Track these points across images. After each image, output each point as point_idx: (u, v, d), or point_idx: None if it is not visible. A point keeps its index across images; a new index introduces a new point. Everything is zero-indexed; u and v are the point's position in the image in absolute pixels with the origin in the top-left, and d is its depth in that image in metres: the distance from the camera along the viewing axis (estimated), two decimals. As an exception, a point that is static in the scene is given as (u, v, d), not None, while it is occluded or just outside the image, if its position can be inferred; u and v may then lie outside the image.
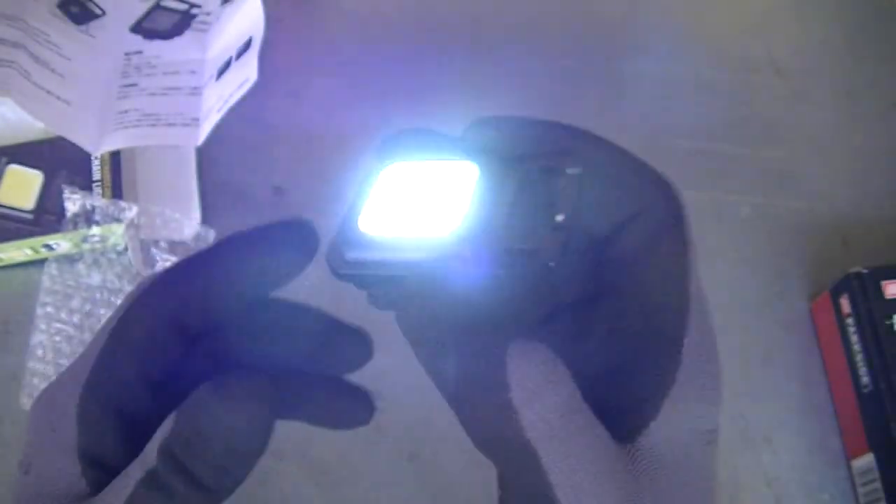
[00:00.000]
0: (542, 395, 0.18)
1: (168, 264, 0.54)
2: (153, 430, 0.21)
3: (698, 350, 0.21)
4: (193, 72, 0.62)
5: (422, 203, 0.23)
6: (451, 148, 0.24)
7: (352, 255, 0.23)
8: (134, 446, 0.22)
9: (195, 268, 0.24)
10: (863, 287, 0.53)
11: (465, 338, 0.19)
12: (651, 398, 0.20)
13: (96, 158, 0.57)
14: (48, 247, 0.54)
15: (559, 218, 0.22)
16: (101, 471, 0.22)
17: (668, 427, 0.20)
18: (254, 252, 0.25)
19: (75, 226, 0.54)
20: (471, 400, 0.19)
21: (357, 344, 0.27)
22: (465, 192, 0.23)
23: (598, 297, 0.23)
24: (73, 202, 0.54)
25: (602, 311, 0.22)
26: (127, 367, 0.22)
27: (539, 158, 0.23)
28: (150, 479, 0.20)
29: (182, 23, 0.64)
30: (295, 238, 0.26)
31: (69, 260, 0.55)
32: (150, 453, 0.21)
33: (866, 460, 0.51)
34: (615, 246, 0.23)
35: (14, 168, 0.56)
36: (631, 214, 0.22)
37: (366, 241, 0.23)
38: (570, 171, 0.22)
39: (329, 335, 0.27)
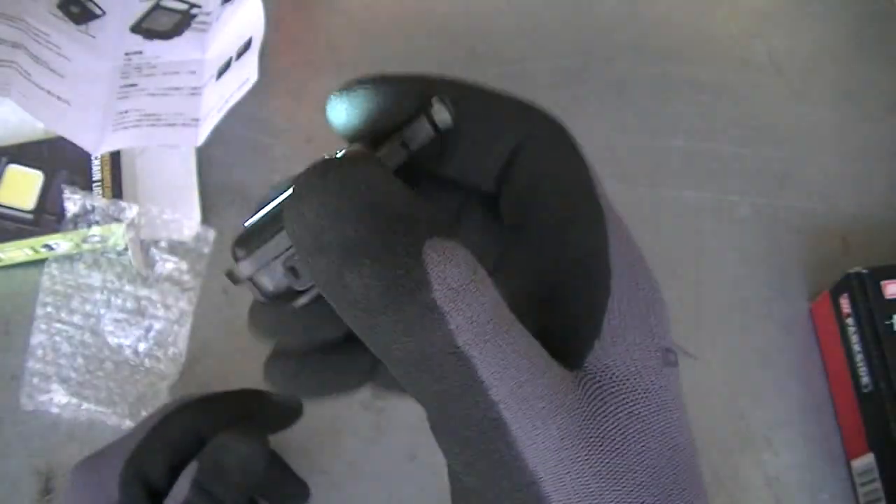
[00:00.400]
0: (467, 295, 0.16)
1: (168, 265, 0.55)
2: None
3: (627, 260, 0.19)
4: (193, 72, 0.62)
5: None
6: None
7: (240, 247, 0.21)
8: None
9: (219, 402, 0.38)
10: (863, 287, 0.53)
11: (376, 237, 0.16)
12: (588, 315, 0.18)
13: (96, 158, 0.57)
14: (48, 247, 0.54)
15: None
16: None
17: (614, 346, 0.18)
18: (263, 407, 0.41)
19: (75, 226, 0.54)
20: (390, 308, 0.16)
21: (298, 490, 0.45)
22: None
23: (511, 227, 0.21)
24: (73, 202, 0.54)
25: (515, 238, 0.21)
26: (160, 454, 0.35)
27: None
28: None
29: (182, 23, 0.64)
30: (291, 403, 0.42)
31: (69, 260, 0.55)
32: (178, 493, 0.33)
33: (866, 460, 0.51)
34: (511, 179, 0.21)
35: (14, 168, 0.56)
36: (518, 142, 0.20)
37: (249, 226, 0.21)
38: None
39: (278, 476, 0.43)
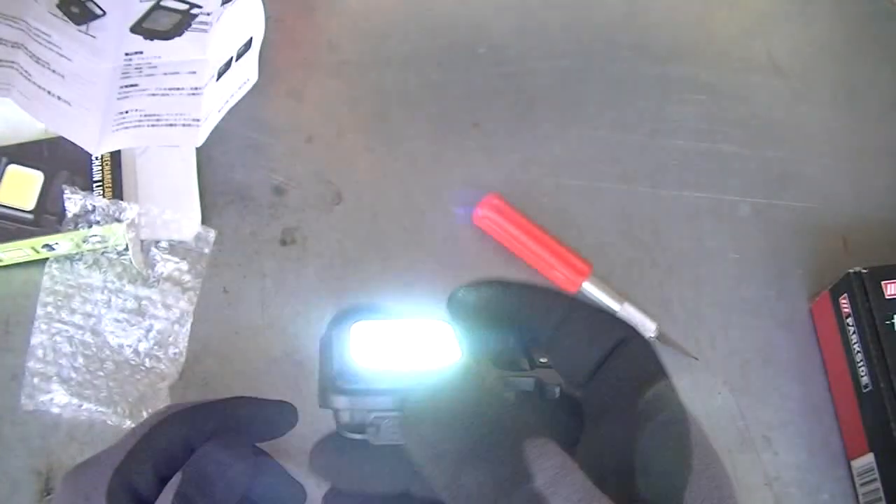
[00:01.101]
0: (562, 480, 0.19)
1: (169, 265, 0.55)
2: None
3: (706, 463, 0.22)
4: (194, 72, 0.62)
5: (410, 343, 0.23)
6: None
7: (347, 385, 0.22)
8: None
9: (208, 411, 0.37)
10: (863, 287, 0.53)
11: (483, 444, 0.19)
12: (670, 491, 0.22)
13: (97, 158, 0.57)
14: (48, 247, 0.54)
15: (543, 360, 0.24)
16: None
17: None
18: (254, 416, 0.39)
19: (75, 226, 0.54)
20: (500, 499, 0.19)
21: (294, 492, 0.42)
22: (448, 342, 0.23)
23: (595, 420, 0.25)
24: (74, 202, 0.54)
25: (599, 432, 0.24)
26: (148, 464, 0.33)
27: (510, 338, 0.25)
28: None
29: (182, 23, 0.64)
30: (285, 411, 0.41)
31: (69, 260, 0.55)
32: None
33: (866, 460, 0.51)
34: (602, 376, 0.25)
35: (14, 168, 0.56)
36: (610, 347, 0.25)
37: (360, 371, 0.22)
38: (541, 360, 0.25)
39: (273, 479, 0.41)
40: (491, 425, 0.20)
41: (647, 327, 0.55)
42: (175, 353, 0.53)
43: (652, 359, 0.25)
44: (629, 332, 0.25)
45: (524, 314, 0.26)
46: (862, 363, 0.52)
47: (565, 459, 0.20)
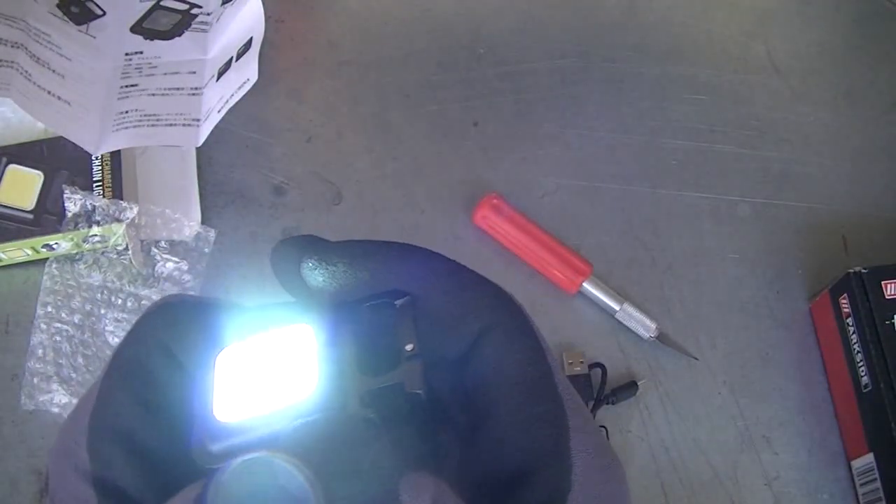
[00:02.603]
0: None
1: (169, 265, 0.55)
2: (159, 456, 0.23)
3: (586, 446, 0.21)
4: (194, 72, 0.62)
5: (269, 377, 0.23)
6: (276, 315, 0.24)
7: (216, 446, 0.22)
8: (144, 472, 0.23)
9: (183, 304, 0.26)
10: (863, 287, 0.53)
11: (356, 486, 0.19)
12: None
13: (97, 158, 0.57)
14: (48, 247, 0.54)
15: (408, 347, 0.22)
16: (116, 498, 0.23)
17: None
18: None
19: (75, 226, 0.54)
20: None
21: None
22: (308, 352, 0.22)
23: (475, 422, 0.23)
24: (74, 202, 0.54)
25: (482, 435, 0.23)
26: (123, 392, 0.24)
27: (365, 299, 0.23)
28: None
29: (182, 23, 0.64)
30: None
31: (69, 260, 0.55)
32: None
33: (866, 460, 0.51)
34: (472, 366, 0.23)
35: (14, 168, 0.56)
36: (479, 331, 0.22)
37: (225, 429, 0.22)
38: (398, 302, 0.23)
39: None
40: (361, 467, 0.19)
41: (648, 327, 0.55)
42: (175, 353, 0.52)
43: (527, 345, 0.22)
44: (494, 311, 0.23)
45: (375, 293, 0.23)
46: (862, 363, 0.52)
47: (438, 491, 0.19)
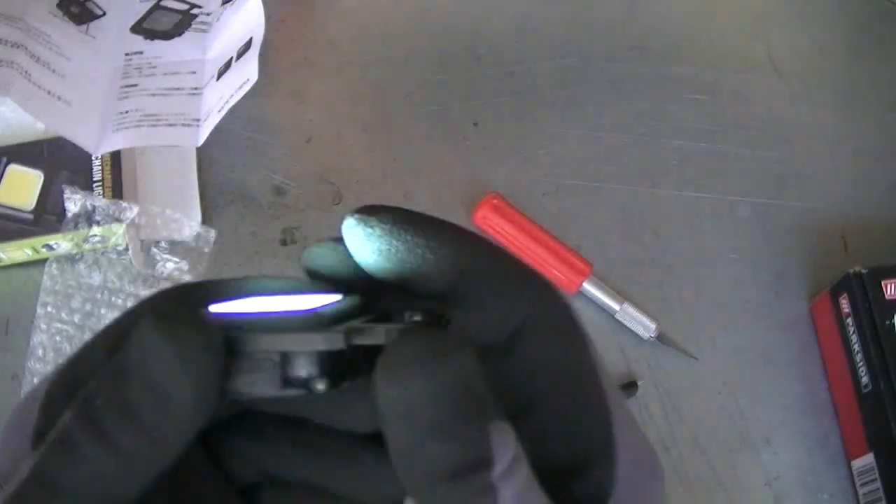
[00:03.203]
0: (514, 471, 0.18)
1: (169, 265, 0.55)
2: None
3: (628, 443, 0.21)
4: (194, 72, 0.62)
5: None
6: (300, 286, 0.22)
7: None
8: None
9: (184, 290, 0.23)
10: (863, 287, 0.53)
11: (461, 419, 0.18)
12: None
13: (97, 158, 0.57)
14: (48, 247, 0.54)
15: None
16: None
17: None
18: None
19: (75, 226, 0.54)
20: (455, 479, 0.18)
21: None
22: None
23: (513, 412, 0.22)
24: (74, 202, 0.54)
25: (521, 426, 0.21)
26: (96, 349, 0.21)
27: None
28: (61, 440, 0.18)
29: (182, 23, 0.64)
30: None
31: (69, 260, 0.55)
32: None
33: (866, 460, 0.51)
34: (513, 357, 0.21)
35: (14, 168, 0.56)
36: (520, 324, 0.21)
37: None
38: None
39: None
40: (469, 399, 0.18)
41: (647, 327, 0.55)
42: (175, 353, 0.52)
43: (572, 339, 0.21)
44: (538, 304, 0.21)
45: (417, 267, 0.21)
46: (862, 363, 0.52)
47: (518, 450, 0.19)
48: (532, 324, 0.21)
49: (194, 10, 0.64)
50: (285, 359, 0.18)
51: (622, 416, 0.21)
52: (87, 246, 0.55)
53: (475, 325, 0.21)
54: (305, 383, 0.18)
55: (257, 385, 0.18)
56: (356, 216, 0.21)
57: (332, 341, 0.18)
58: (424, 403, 0.18)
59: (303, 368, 0.18)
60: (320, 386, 0.18)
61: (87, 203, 0.54)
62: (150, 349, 0.18)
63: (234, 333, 0.18)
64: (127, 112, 0.59)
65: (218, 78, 0.60)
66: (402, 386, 0.18)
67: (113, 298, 0.54)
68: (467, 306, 0.21)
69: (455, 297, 0.21)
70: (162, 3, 0.65)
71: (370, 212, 0.21)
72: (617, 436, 0.20)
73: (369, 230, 0.21)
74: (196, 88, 0.61)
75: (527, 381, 0.21)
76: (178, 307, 0.19)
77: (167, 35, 0.63)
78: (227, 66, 0.61)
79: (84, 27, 0.63)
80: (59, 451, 0.18)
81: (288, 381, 0.18)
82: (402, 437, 0.18)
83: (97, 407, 0.18)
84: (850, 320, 0.53)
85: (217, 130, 0.58)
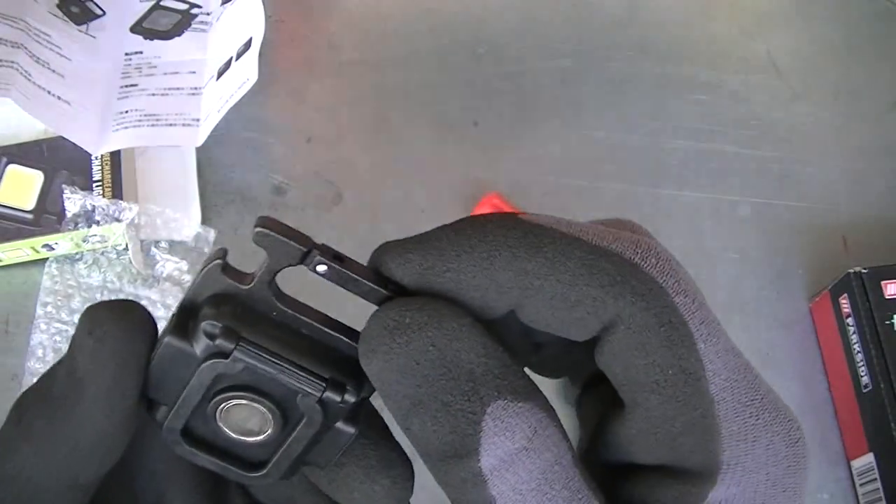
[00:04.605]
0: (514, 465, 0.16)
1: (169, 265, 0.55)
2: None
3: (743, 457, 0.18)
4: (194, 72, 0.62)
5: None
6: None
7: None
8: None
9: None
10: (863, 287, 0.53)
11: (438, 400, 0.17)
12: (693, 488, 0.18)
13: (96, 158, 0.57)
14: (48, 247, 0.54)
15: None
16: None
17: None
18: None
19: (75, 226, 0.54)
20: (441, 463, 0.17)
21: (401, 464, 0.25)
22: None
23: (601, 408, 0.21)
24: (74, 202, 0.54)
25: (609, 423, 0.20)
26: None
27: None
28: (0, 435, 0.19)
29: (182, 23, 0.64)
30: None
31: (69, 260, 0.55)
32: None
33: (866, 460, 0.51)
34: (598, 360, 0.19)
35: (14, 168, 0.56)
36: (601, 326, 0.18)
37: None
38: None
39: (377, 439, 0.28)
40: (453, 376, 0.17)
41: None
42: (175, 353, 0.52)
43: (666, 337, 0.18)
44: (621, 300, 0.18)
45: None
46: (862, 363, 0.52)
47: (535, 435, 0.16)
48: (613, 328, 0.18)
49: (194, 10, 0.64)
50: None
51: (735, 427, 0.18)
52: (86, 246, 0.55)
53: (554, 332, 0.19)
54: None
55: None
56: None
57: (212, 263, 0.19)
58: (398, 378, 0.17)
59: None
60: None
61: (87, 203, 0.54)
62: (74, 342, 0.18)
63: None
64: (127, 112, 0.59)
65: (218, 78, 0.60)
66: (375, 358, 0.17)
67: (113, 298, 0.54)
68: (547, 310, 0.18)
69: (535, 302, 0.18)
70: (162, 3, 0.65)
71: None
72: (726, 452, 0.18)
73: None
74: (196, 88, 0.61)
75: (614, 385, 0.19)
76: (112, 305, 0.19)
77: (167, 35, 0.63)
78: (227, 65, 0.61)
79: (84, 27, 0.63)
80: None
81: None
82: (391, 411, 0.18)
83: (26, 402, 0.19)
84: (850, 320, 0.53)
85: (217, 130, 0.58)
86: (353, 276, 0.18)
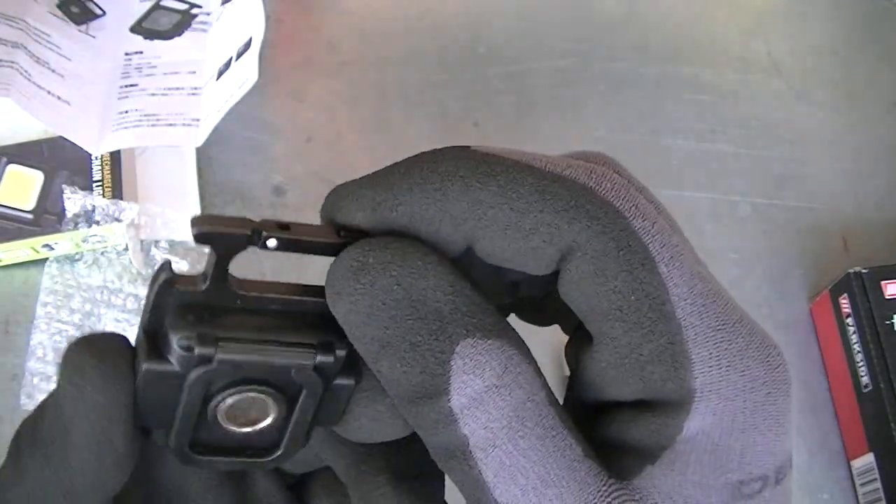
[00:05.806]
0: (485, 402, 0.16)
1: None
2: None
3: (716, 385, 0.17)
4: (194, 72, 0.62)
5: None
6: None
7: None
8: None
9: None
10: (863, 287, 0.53)
11: (405, 340, 0.16)
12: (654, 439, 0.17)
13: (96, 158, 0.57)
14: (48, 247, 0.54)
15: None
16: None
17: (665, 476, 0.17)
18: None
19: (75, 226, 0.54)
20: (412, 405, 0.17)
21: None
22: None
23: (576, 333, 0.20)
24: (74, 202, 0.54)
25: (587, 348, 0.19)
26: None
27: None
28: None
29: (182, 23, 0.64)
30: None
31: (69, 260, 0.55)
32: None
33: (866, 460, 0.51)
34: (559, 291, 0.18)
35: (14, 168, 0.56)
36: (558, 257, 0.17)
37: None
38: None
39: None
40: (420, 315, 0.16)
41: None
42: (175, 353, 0.52)
43: (626, 260, 0.17)
44: (577, 225, 0.17)
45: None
46: (862, 363, 0.52)
47: (505, 372, 0.16)
48: (570, 258, 0.17)
49: (194, 10, 0.64)
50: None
51: (706, 353, 0.17)
52: (86, 246, 0.55)
53: (512, 260, 0.18)
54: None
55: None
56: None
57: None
58: (364, 320, 0.17)
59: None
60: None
61: (87, 203, 0.54)
62: (59, 384, 0.18)
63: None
64: (127, 112, 0.59)
65: (218, 78, 0.60)
66: (340, 301, 0.17)
67: (112, 298, 0.54)
68: (500, 244, 0.18)
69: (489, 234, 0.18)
70: (162, 3, 0.65)
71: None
72: (698, 378, 0.17)
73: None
74: (196, 88, 0.61)
75: (577, 316, 0.18)
76: (92, 348, 0.18)
77: (167, 35, 0.63)
78: (227, 65, 0.61)
79: (84, 27, 0.63)
80: None
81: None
82: (362, 354, 0.17)
83: (22, 439, 0.19)
84: (850, 320, 0.53)
85: (217, 130, 0.58)
86: (306, 238, 0.18)
